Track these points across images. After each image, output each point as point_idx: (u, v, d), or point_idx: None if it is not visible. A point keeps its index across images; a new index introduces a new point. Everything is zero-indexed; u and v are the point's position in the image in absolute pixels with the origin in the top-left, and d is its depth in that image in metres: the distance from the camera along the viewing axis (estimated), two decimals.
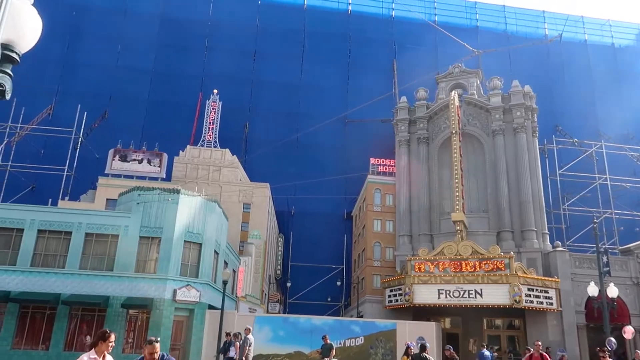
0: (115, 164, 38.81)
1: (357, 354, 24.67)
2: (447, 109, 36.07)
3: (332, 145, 48.53)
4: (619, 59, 54.09)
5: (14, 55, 3.72)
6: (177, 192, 25.85)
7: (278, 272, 47.63)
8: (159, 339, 5.97)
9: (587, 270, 29.95)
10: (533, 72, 45.42)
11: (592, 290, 25.68)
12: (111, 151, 39.21)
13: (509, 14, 56.68)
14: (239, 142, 48.53)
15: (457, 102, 35.16)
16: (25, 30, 3.80)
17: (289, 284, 43.27)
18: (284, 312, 39.74)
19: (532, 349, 12.97)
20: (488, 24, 55.88)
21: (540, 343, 10.28)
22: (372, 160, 41.82)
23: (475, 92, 37.91)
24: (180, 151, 43.12)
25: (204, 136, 45.80)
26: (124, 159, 39.07)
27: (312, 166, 46.93)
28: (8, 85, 3.64)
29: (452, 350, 15.95)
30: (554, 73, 50.24)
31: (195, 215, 25.94)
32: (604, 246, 29.36)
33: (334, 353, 19.61)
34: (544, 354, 9.58)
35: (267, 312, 38.35)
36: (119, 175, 37.98)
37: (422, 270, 29.61)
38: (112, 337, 5.67)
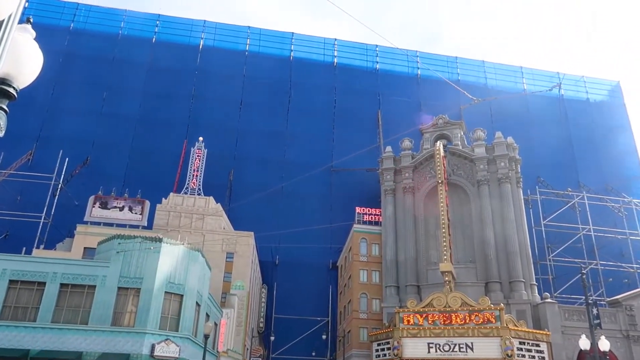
0: (95, 211, 37.74)
1: None
2: (432, 158, 36.43)
3: (318, 195, 48.30)
4: (594, 113, 55.99)
5: (11, 90, 3.39)
6: (159, 240, 25.00)
7: (261, 325, 45.95)
8: None
9: (576, 322, 29.56)
10: (513, 125, 46.53)
11: (584, 343, 25.17)
12: (91, 198, 38.23)
13: (488, 69, 58.75)
14: (224, 190, 47.96)
15: (442, 152, 35.56)
16: (25, 65, 3.49)
17: (272, 338, 41.62)
18: None
19: None
20: (469, 77, 57.71)
21: None
22: (357, 210, 41.56)
23: (459, 142, 38.53)
24: (163, 199, 42.33)
25: (188, 183, 45.18)
26: (104, 206, 38.05)
27: (297, 215, 46.40)
28: (3, 122, 3.28)
29: None
30: (534, 126, 51.55)
31: (177, 264, 25.01)
32: (591, 298, 29.11)
33: None
34: None
35: None
36: (98, 223, 36.86)
37: (411, 323, 28.82)
38: None
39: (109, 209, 37.87)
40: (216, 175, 47.79)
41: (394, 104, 52.37)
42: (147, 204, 38.98)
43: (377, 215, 40.39)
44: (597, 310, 27.68)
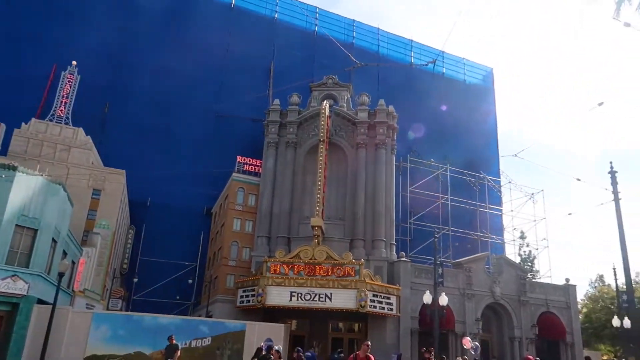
0: None
1: (203, 355, 23.90)
2: (317, 117, 37.13)
3: (199, 139, 46.79)
4: (468, 94, 60.92)
5: None
6: (13, 168, 22.60)
7: (125, 266, 44.40)
8: None
9: (424, 280, 32.92)
10: (397, 95, 48.84)
11: (427, 298, 28.29)
12: None
13: (382, 37, 60.51)
14: (96, 123, 44.31)
15: (327, 112, 36.37)
16: None
17: (135, 280, 40.43)
18: (128, 310, 37.07)
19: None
20: (363, 42, 59.00)
21: (369, 343, 10.41)
22: (238, 158, 41.22)
23: (345, 105, 39.67)
24: (23, 123, 38.09)
25: (55, 110, 41.05)
26: None
27: (174, 157, 44.69)
28: None
29: (300, 353, 16.23)
30: (414, 99, 54.57)
31: (33, 197, 22.92)
32: (440, 259, 32.56)
33: (178, 354, 18.75)
34: (370, 355, 9.82)
35: (108, 309, 35.43)
36: None
37: (278, 272, 29.92)
38: None
39: None
40: (89, 106, 43.95)
41: (288, 57, 51.87)
42: (3, 127, 34.84)
43: (258, 166, 40.51)
44: (442, 270, 31.08)
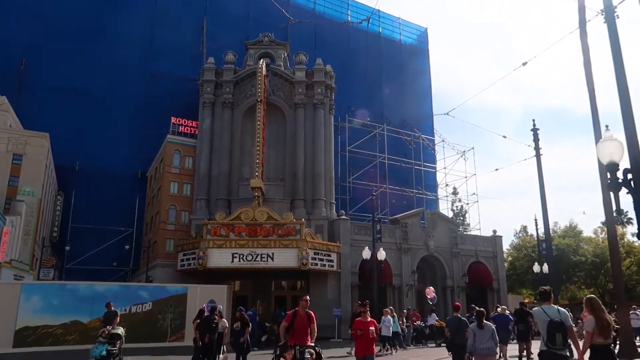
0: None
1: (144, 320, 23.50)
2: (254, 76, 36.28)
3: (130, 99, 44.27)
4: (403, 54, 61.49)
5: None
6: None
7: (55, 234, 42.20)
8: None
9: (363, 236, 33.93)
10: (334, 54, 48.44)
11: (366, 254, 29.34)
12: None
13: None
14: (11, 82, 40.76)
15: (264, 71, 35.58)
16: None
17: (67, 248, 38.60)
18: (61, 279, 35.49)
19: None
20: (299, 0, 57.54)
21: (308, 298, 9.94)
22: (173, 120, 39.63)
23: (282, 64, 38.95)
24: None
25: None
26: None
27: (104, 120, 42.16)
28: None
29: (243, 312, 16.34)
30: (351, 59, 54.41)
31: None
32: (378, 216, 33.54)
33: (118, 320, 18.24)
34: (310, 312, 9.77)
35: (39, 279, 33.79)
36: None
37: (218, 235, 29.70)
38: None
39: None
40: (2, 64, 40.29)
41: (222, 13, 49.65)
42: None
43: (194, 127, 39.20)
44: (380, 226, 32.13)
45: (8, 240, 28.94)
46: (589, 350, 7.16)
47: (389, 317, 21.61)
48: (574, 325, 9.20)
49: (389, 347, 22.27)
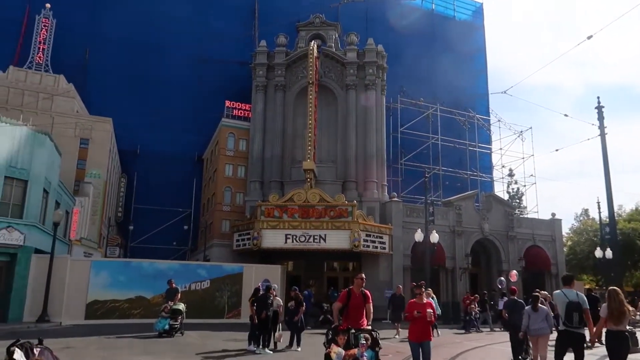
0: None
1: (203, 297, 24.59)
2: (305, 58, 36.30)
3: (186, 84, 45.67)
4: (458, 32, 59.50)
5: None
6: None
7: (119, 214, 44.60)
8: None
9: (415, 218, 33.57)
10: (386, 34, 47.67)
11: (419, 236, 29.04)
12: None
13: None
14: (78, 70, 42.93)
15: (315, 53, 35.53)
16: None
17: (131, 227, 40.76)
18: (125, 257, 37.60)
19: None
20: None
21: (363, 276, 8.86)
22: (227, 103, 40.53)
23: (333, 45, 38.73)
24: (1, 72, 36.81)
25: (33, 57, 39.63)
26: None
27: (162, 104, 43.77)
28: None
29: (297, 291, 16.71)
30: (404, 37, 53.34)
31: (19, 148, 22.60)
32: (430, 198, 33.09)
33: (179, 297, 19.21)
34: (366, 290, 8.98)
35: (106, 256, 35.91)
36: None
37: (272, 216, 30.28)
38: None
39: None
40: (68, 52, 42.45)
41: None
42: None
43: (247, 110, 39.95)
44: (433, 209, 31.73)
45: (78, 219, 30.87)
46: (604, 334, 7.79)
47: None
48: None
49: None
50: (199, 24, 47.86)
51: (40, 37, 40.00)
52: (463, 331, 24.51)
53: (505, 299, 30.02)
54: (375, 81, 37.47)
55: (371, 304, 8.81)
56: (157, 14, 46.10)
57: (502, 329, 23.74)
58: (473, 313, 25.33)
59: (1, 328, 18.49)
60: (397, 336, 19.61)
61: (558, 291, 8.45)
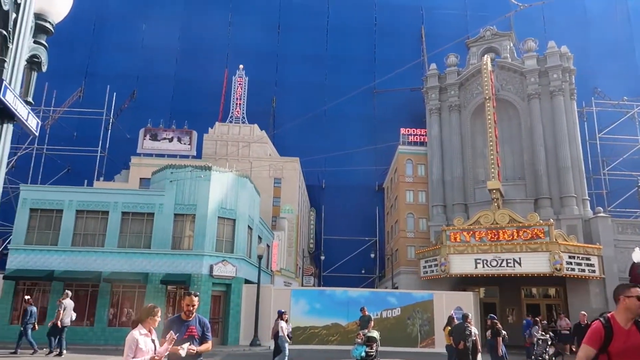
0: (146, 143, 39.19)
1: (395, 324, 24.65)
2: (479, 74, 34.88)
3: (361, 117, 47.78)
4: None
5: (47, 25, 3.49)
6: (209, 168, 25.92)
7: (311, 245, 47.88)
8: (197, 293, 6.01)
9: (631, 235, 28.96)
10: (568, 31, 43.32)
11: (637, 256, 24.88)
12: (142, 131, 39.55)
13: None
14: (267, 117, 48.30)
15: (489, 67, 33.90)
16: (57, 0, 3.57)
17: (322, 258, 43.47)
18: (319, 285, 40.07)
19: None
20: None
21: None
22: (402, 131, 40.99)
23: (508, 55, 36.50)
24: (209, 128, 43.23)
25: (232, 112, 45.74)
26: (154, 138, 39.39)
27: (341, 139, 46.41)
28: (44, 57, 3.42)
29: (495, 320, 15.61)
30: (591, 31, 47.77)
31: (227, 191, 26.04)
32: None
33: (372, 324, 19.55)
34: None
35: (302, 285, 38.71)
36: (150, 154, 38.37)
37: (458, 240, 29.16)
38: (159, 313, 5.59)
39: (159, 141, 39.21)
40: (258, 102, 47.97)
41: (438, 17, 49.55)
42: (195, 134, 40.00)
43: (422, 135, 39.78)
44: None
45: (277, 252, 34.02)
46: None
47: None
48: None
49: None
50: (369, 57, 49.92)
51: (237, 94, 46.15)
52: None
53: None
54: (562, 86, 34.00)
55: None
56: (329, 53, 49.61)
57: None
58: None
59: (221, 349, 21.11)
60: None
61: None
